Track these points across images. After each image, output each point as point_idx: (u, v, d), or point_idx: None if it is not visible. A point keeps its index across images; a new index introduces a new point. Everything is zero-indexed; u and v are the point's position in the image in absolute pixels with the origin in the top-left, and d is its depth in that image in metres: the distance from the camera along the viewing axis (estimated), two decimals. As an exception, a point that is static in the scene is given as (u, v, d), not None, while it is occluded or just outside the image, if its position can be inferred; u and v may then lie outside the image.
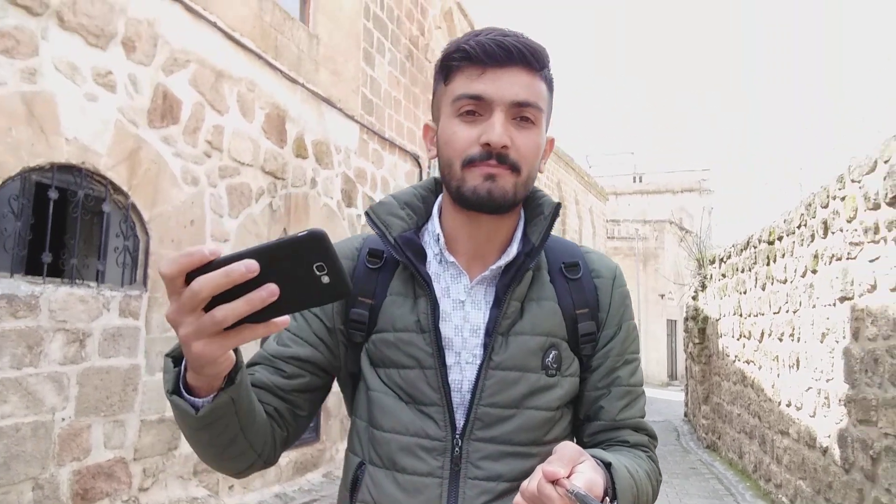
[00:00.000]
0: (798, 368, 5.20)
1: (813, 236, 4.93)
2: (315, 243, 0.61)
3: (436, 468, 0.93)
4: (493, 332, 0.96)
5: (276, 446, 0.98)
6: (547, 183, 15.89)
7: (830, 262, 4.54)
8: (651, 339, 20.89)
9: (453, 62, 0.94)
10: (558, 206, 1.03)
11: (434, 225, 1.02)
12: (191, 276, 0.61)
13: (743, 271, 7.17)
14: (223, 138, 4.91)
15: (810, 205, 5.02)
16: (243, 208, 5.16)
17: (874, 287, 3.82)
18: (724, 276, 8.12)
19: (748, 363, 6.85)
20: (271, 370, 0.98)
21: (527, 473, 0.77)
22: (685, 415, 11.26)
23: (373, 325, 0.99)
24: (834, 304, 4.44)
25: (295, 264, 0.62)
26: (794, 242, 5.41)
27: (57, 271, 3.81)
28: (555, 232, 1.06)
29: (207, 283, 0.60)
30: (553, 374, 0.97)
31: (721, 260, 8.37)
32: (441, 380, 0.94)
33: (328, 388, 1.06)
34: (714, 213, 19.19)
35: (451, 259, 1.00)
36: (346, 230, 6.68)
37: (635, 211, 27.27)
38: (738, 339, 7.32)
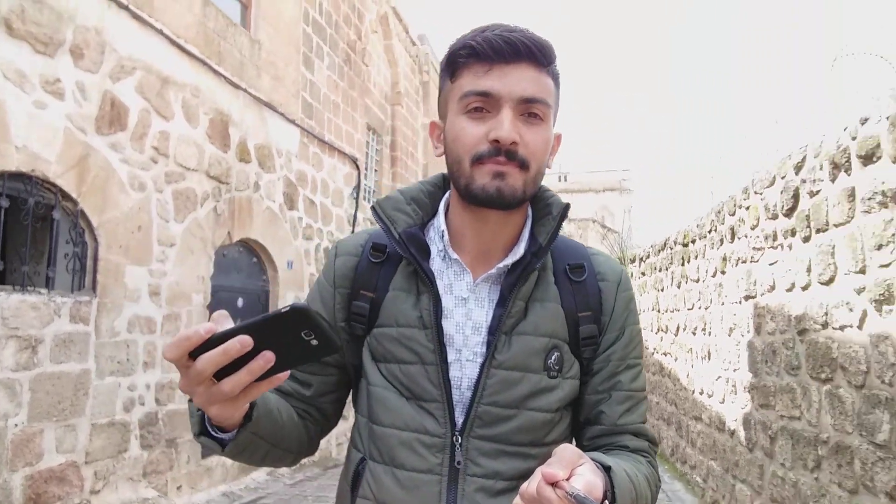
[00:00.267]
0: (709, 360, 5.76)
1: (722, 241, 5.47)
2: (298, 316, 0.67)
3: (435, 465, 0.94)
4: (497, 331, 0.96)
5: (312, 440, 1.06)
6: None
7: (737, 265, 5.08)
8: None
9: (460, 59, 0.94)
10: (567, 206, 1.03)
11: (439, 221, 1.03)
12: (193, 352, 0.68)
13: (661, 270, 7.75)
14: (169, 144, 4.95)
15: (720, 212, 5.56)
16: (189, 213, 5.21)
17: (773, 287, 4.34)
18: (643, 274, 8.72)
19: (665, 355, 7.43)
20: (292, 379, 1.03)
21: (525, 473, 0.80)
22: None
23: (374, 318, 1.00)
24: (740, 302, 4.97)
25: (284, 333, 0.68)
26: (705, 245, 5.96)
27: (8, 279, 3.80)
28: None
29: (209, 363, 0.67)
30: (555, 375, 0.98)
31: (641, 259, 8.98)
32: (442, 376, 0.95)
33: (349, 384, 1.09)
34: (633, 211, 20.22)
35: (455, 256, 1.00)
36: (289, 232, 6.79)
37: (560, 208, 28.22)
38: (656, 333, 7.92)
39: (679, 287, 6.86)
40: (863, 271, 3.14)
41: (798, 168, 3.96)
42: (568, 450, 0.73)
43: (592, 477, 0.72)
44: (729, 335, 5.19)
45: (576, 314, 1.00)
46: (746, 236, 4.85)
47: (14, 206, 3.77)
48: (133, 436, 4.70)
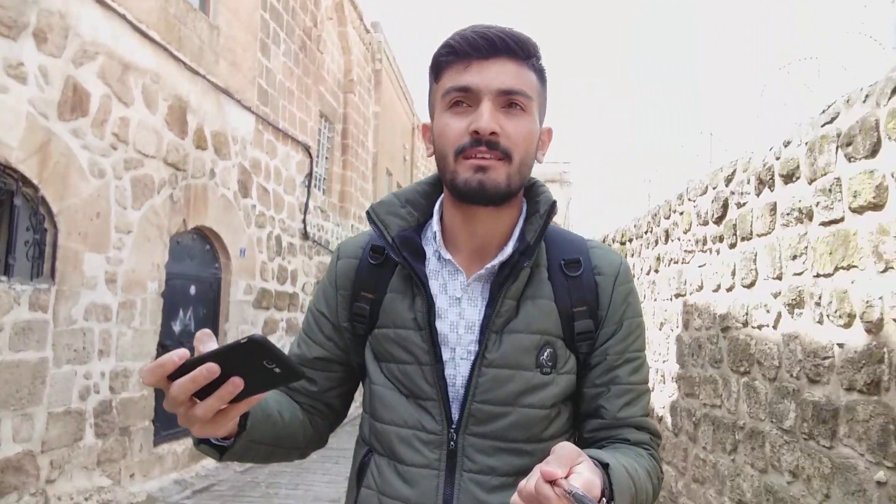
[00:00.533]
0: (641, 351, 6.21)
1: (657, 241, 5.90)
2: (254, 347, 0.70)
3: (433, 460, 0.97)
4: (487, 330, 0.97)
5: (320, 434, 1.11)
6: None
7: (669, 265, 5.51)
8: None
9: (441, 59, 0.97)
10: (554, 203, 1.03)
11: (433, 222, 1.04)
12: (173, 374, 0.73)
13: (599, 265, 8.20)
14: (129, 130, 4.95)
15: (656, 215, 5.99)
16: (146, 200, 5.22)
17: (701, 287, 4.77)
18: (582, 267, 9.17)
19: (601, 345, 7.90)
20: None
21: (521, 469, 0.83)
22: None
23: (374, 319, 1.03)
24: (671, 299, 5.41)
25: (247, 361, 0.71)
26: (641, 245, 6.40)
27: (-32, 265, 3.79)
28: None
29: (181, 390, 0.71)
30: (548, 372, 0.98)
31: (580, 253, 9.43)
32: (437, 375, 0.97)
33: (354, 380, 1.13)
34: (573, 204, 20.86)
35: (448, 257, 1.02)
36: (242, 220, 6.83)
37: (501, 197, 28.67)
38: (592, 324, 8.38)
39: (616, 282, 7.30)
40: (779, 278, 3.56)
41: (728, 180, 4.37)
42: (566, 448, 0.74)
43: (591, 475, 0.72)
44: (660, 329, 5.64)
45: (570, 310, 1.01)
46: (679, 239, 5.28)
47: (-24, 192, 3.76)
48: (88, 424, 4.73)
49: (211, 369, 0.70)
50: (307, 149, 8.34)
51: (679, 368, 5.09)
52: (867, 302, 2.76)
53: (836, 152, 3.11)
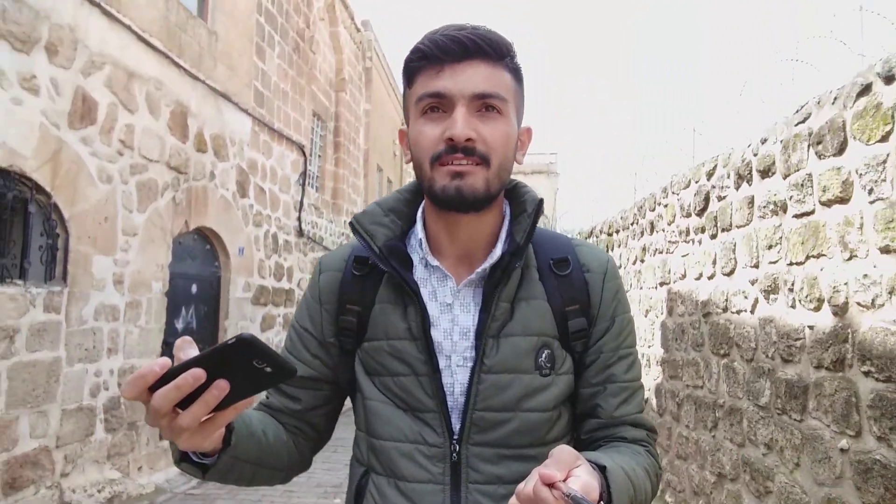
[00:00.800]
0: (629, 338, 6.48)
1: (643, 233, 6.16)
2: (244, 346, 0.66)
3: (436, 474, 0.94)
4: (483, 335, 0.95)
5: (304, 456, 1.08)
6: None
7: (654, 255, 5.77)
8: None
9: (412, 64, 0.95)
10: (541, 201, 1.02)
11: (417, 229, 1.02)
12: (154, 386, 0.67)
13: (587, 256, 8.46)
14: (134, 137, 5.13)
15: (641, 207, 6.25)
16: (150, 203, 5.41)
17: (684, 276, 5.03)
18: (571, 258, 9.44)
19: (590, 333, 8.17)
20: (281, 394, 1.05)
21: (527, 475, 0.78)
22: None
23: (362, 332, 1.00)
24: (656, 288, 5.68)
25: (236, 363, 0.67)
26: (628, 236, 6.66)
27: (-11, 270, 3.97)
28: None
29: (164, 399, 0.66)
30: (547, 373, 0.96)
31: (569, 244, 9.69)
32: (435, 385, 0.94)
33: (341, 398, 1.09)
34: (560, 195, 21.16)
35: (435, 263, 0.99)
36: (241, 220, 7.02)
37: (489, 190, 28.93)
38: (582, 313, 8.65)
39: (604, 272, 7.57)
40: (756, 266, 3.83)
41: (710, 175, 4.63)
42: (565, 451, 0.74)
43: (589, 478, 0.72)
44: (645, 316, 5.91)
45: (563, 309, 0.99)
46: (664, 230, 5.54)
47: (-6, 200, 3.94)
48: (98, 420, 4.92)
49: (196, 375, 0.66)
50: (301, 148, 8.53)
51: (664, 353, 5.37)
52: (834, 287, 3.02)
53: (808, 150, 3.37)
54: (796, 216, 3.41)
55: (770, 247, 3.67)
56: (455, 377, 0.97)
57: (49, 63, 4.23)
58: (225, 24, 6.59)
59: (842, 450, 2.86)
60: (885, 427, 2.59)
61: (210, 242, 6.68)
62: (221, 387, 0.67)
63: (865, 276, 2.80)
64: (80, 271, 4.65)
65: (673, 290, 5.25)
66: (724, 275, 4.26)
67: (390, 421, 0.97)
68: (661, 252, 5.59)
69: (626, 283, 6.62)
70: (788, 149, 3.52)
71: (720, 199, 4.41)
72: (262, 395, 1.08)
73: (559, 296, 1.00)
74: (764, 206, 3.76)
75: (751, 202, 3.94)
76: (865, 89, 2.88)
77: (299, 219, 8.60)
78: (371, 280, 1.02)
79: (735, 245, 4.12)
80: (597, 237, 7.99)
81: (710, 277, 4.50)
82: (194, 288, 6.44)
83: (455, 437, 0.95)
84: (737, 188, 4.15)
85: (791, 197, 3.46)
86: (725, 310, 4.21)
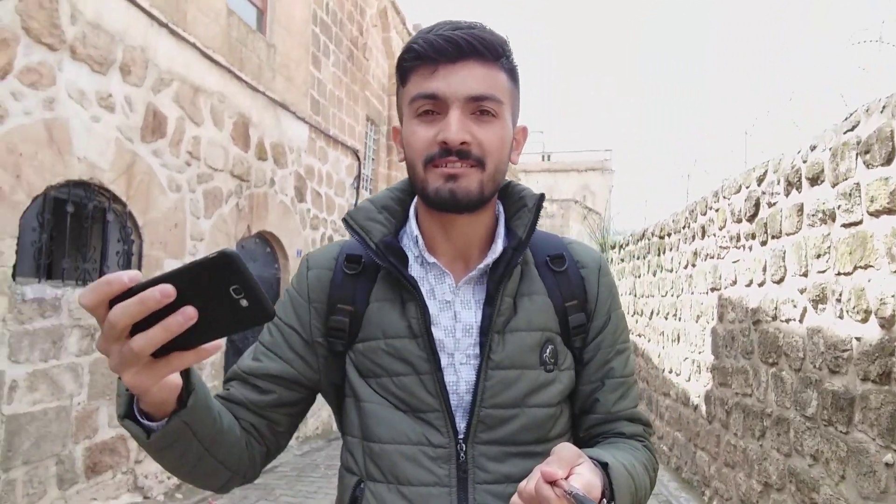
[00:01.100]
0: (679, 342, 6.45)
1: (694, 237, 6.11)
2: (225, 264, 0.59)
3: (442, 476, 0.91)
4: (489, 331, 0.93)
5: (255, 461, 0.97)
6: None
7: (705, 259, 5.73)
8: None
9: (405, 63, 0.93)
10: (542, 197, 1.01)
11: (412, 227, 1.00)
12: (114, 303, 0.59)
13: (638, 258, 8.42)
14: (200, 148, 5.46)
15: (692, 211, 6.20)
16: (215, 209, 5.73)
17: (735, 282, 4.99)
18: (622, 260, 9.40)
19: (640, 336, 8.14)
20: (246, 386, 0.97)
21: None
22: None
23: (355, 333, 0.97)
24: (706, 293, 5.64)
25: (211, 287, 0.60)
26: (679, 239, 6.61)
27: (71, 275, 4.33)
28: None
29: (123, 313, 0.58)
30: (551, 369, 0.96)
31: (620, 247, 9.64)
32: (438, 384, 0.92)
33: (309, 402, 1.02)
34: (615, 191, 20.91)
35: (433, 260, 0.97)
36: (298, 224, 7.32)
37: (542, 188, 28.82)
38: (632, 316, 8.62)
39: (654, 275, 7.54)
40: (805, 275, 3.80)
41: (760, 180, 4.59)
42: (567, 448, 0.74)
43: (591, 476, 0.72)
44: (696, 321, 5.87)
45: (563, 304, 0.99)
46: (715, 235, 5.50)
47: (76, 211, 4.29)
48: (169, 410, 5.26)
49: (165, 291, 0.58)
50: (356, 152, 8.80)
51: (713, 359, 5.34)
52: (881, 299, 3.00)
53: (857, 159, 3.34)
54: (844, 226, 3.38)
55: (818, 256, 3.64)
56: (459, 375, 0.94)
57: (123, 82, 4.56)
58: (282, 37, 6.89)
59: (887, 464, 2.85)
60: (928, 443, 2.58)
61: (270, 245, 7.00)
62: (188, 314, 0.59)
63: (911, 290, 2.78)
64: (153, 274, 4.99)
65: (724, 296, 5.21)
66: (774, 283, 4.23)
67: (391, 423, 0.93)
68: (711, 257, 5.55)
69: (676, 288, 6.59)
70: (837, 157, 3.49)
71: (770, 205, 4.37)
72: (232, 382, 1.00)
73: (558, 292, 1.00)
74: (813, 215, 3.73)
75: (800, 210, 3.91)
76: (913, 100, 2.85)
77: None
78: (364, 279, 0.99)
79: (785, 253, 4.09)
80: (648, 240, 7.94)
81: (761, 285, 4.47)
82: (255, 288, 6.76)
83: (461, 436, 0.92)
84: (787, 195, 4.11)
85: (839, 206, 3.43)
86: (775, 318, 4.18)
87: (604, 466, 0.80)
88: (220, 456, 0.87)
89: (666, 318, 6.95)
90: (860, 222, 3.26)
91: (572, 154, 32.05)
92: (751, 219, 4.74)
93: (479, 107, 0.90)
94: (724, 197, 5.32)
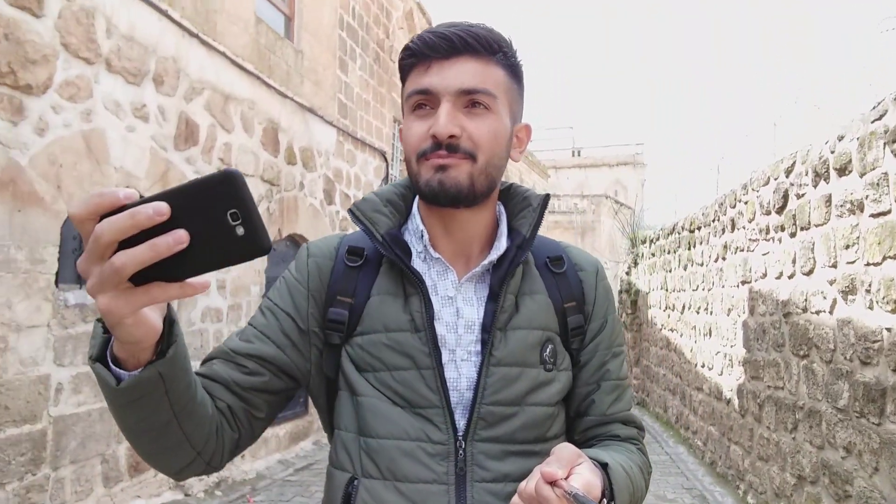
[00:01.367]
0: (710, 336, 6.40)
1: (724, 230, 6.06)
2: (228, 184, 0.56)
3: (441, 474, 0.90)
4: (492, 327, 0.93)
5: (223, 448, 0.90)
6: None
7: (735, 252, 5.68)
8: (588, 305, 22.28)
9: (403, 62, 0.95)
10: (547, 196, 1.02)
11: (416, 222, 1.00)
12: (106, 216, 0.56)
13: (669, 252, 8.35)
14: (231, 154, 5.61)
15: (722, 204, 6.15)
16: (247, 213, 5.88)
17: (765, 275, 4.94)
18: (653, 255, 9.32)
19: (672, 331, 8.08)
20: (231, 365, 0.92)
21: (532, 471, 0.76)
22: None
23: (353, 325, 0.95)
24: (737, 286, 5.59)
25: (208, 210, 0.56)
26: (709, 233, 6.55)
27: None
28: None
29: (110, 226, 0.54)
30: (550, 368, 0.96)
31: (651, 241, 9.57)
32: (439, 380, 0.91)
33: (290, 396, 0.99)
34: (647, 185, 20.68)
35: (437, 255, 0.97)
36: (328, 226, 7.45)
37: (573, 184, 28.66)
38: (664, 311, 8.55)
39: (685, 269, 7.48)
40: (834, 266, 3.75)
41: (788, 172, 4.54)
42: (567, 449, 0.74)
43: (591, 476, 0.72)
44: (727, 315, 5.82)
45: (563, 305, 1.00)
46: (744, 228, 5.45)
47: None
48: (207, 408, 5.42)
49: (158, 209, 0.55)
50: (383, 154, 8.90)
51: (745, 352, 5.29)
52: (911, 289, 2.96)
53: (884, 148, 3.29)
54: (873, 216, 3.34)
55: (847, 247, 3.60)
56: (460, 371, 0.94)
57: (156, 92, 4.73)
58: (310, 43, 7.02)
59: (917, 455, 2.81)
60: (960, 433, 2.54)
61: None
62: (179, 236, 0.55)
63: (940, 278, 2.73)
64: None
65: (754, 288, 5.17)
66: (804, 274, 4.19)
67: (389, 418, 0.91)
68: (741, 250, 5.50)
69: (707, 281, 6.53)
70: (864, 146, 3.45)
71: (798, 196, 4.32)
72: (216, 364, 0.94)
73: (558, 292, 1.01)
74: (841, 205, 3.69)
75: (828, 200, 3.86)
76: (938, 87, 2.81)
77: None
78: (366, 271, 0.97)
79: (814, 244, 4.04)
80: (678, 234, 7.88)
81: (791, 277, 4.42)
82: (287, 290, 6.91)
83: (460, 433, 0.91)
84: (815, 186, 4.07)
85: (867, 196, 3.39)
86: (805, 310, 4.14)
87: (603, 467, 0.81)
88: (188, 427, 0.80)
89: (697, 313, 6.89)
90: (889, 212, 3.22)
91: (603, 149, 31.77)
92: (780, 210, 4.69)
93: (471, 100, 0.91)
94: (753, 189, 5.27)
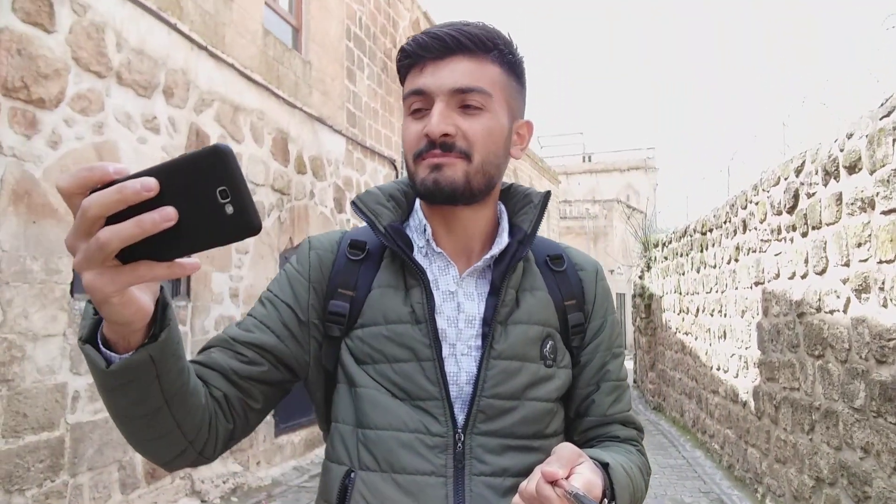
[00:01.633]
0: (725, 339, 6.34)
1: (735, 231, 6.02)
2: (218, 159, 0.55)
3: (439, 466, 0.89)
4: (493, 321, 0.94)
5: (217, 438, 0.87)
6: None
7: (748, 254, 5.64)
8: (602, 310, 22.17)
9: (400, 64, 0.96)
10: (548, 194, 1.04)
11: (420, 217, 1.01)
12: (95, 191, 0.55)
13: (682, 255, 8.30)
14: (242, 164, 5.66)
15: (733, 205, 6.11)
16: (258, 222, 5.93)
17: (778, 275, 4.90)
18: (666, 258, 9.27)
19: (686, 334, 8.02)
20: (229, 353, 0.91)
21: (530, 467, 0.76)
22: (634, 381, 12.27)
23: (354, 318, 0.95)
24: (750, 287, 5.54)
25: (197, 187, 0.55)
26: (721, 235, 6.51)
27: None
28: None
29: (97, 201, 0.53)
30: (550, 364, 0.96)
31: (664, 244, 9.52)
32: (439, 372, 0.91)
33: (287, 389, 0.98)
34: (659, 189, 20.56)
35: (439, 250, 0.97)
36: (340, 233, 7.51)
37: (585, 189, 28.59)
38: (678, 314, 8.49)
39: (698, 272, 7.43)
40: (847, 264, 3.72)
41: (798, 171, 4.51)
42: (567, 448, 0.75)
43: (592, 476, 0.73)
44: (741, 317, 5.77)
45: (563, 303, 1.01)
46: (756, 229, 5.41)
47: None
48: (221, 417, 5.46)
49: (147, 184, 0.54)
50: (392, 162, 8.94)
51: (760, 354, 5.24)
52: (925, 285, 2.92)
53: (893, 145, 3.27)
54: (884, 213, 3.31)
55: (859, 245, 3.56)
56: (460, 365, 0.93)
57: (166, 104, 4.79)
58: (317, 53, 7.09)
59: (935, 454, 2.77)
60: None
61: (312, 256, 7.18)
62: (166, 213, 0.54)
63: (954, 273, 2.70)
64: (202, 287, 5.21)
65: (767, 289, 5.12)
66: (817, 274, 4.15)
67: (388, 410, 0.91)
68: (754, 251, 5.46)
69: (721, 283, 6.48)
70: (873, 143, 3.42)
71: (809, 196, 4.29)
72: (210, 351, 0.93)
73: (558, 290, 1.01)
74: (852, 203, 3.66)
75: (839, 199, 3.83)
76: (947, 81, 2.79)
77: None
78: (367, 265, 0.98)
79: (826, 243, 4.01)
80: (690, 236, 7.83)
81: (803, 276, 4.38)
82: (299, 299, 6.95)
83: (459, 426, 0.91)
84: (825, 184, 4.04)
85: (878, 193, 3.36)
86: (819, 310, 4.09)
87: (604, 466, 0.81)
88: (179, 415, 0.78)
89: (711, 315, 6.84)
90: (901, 208, 3.18)
91: (614, 154, 31.66)
92: (791, 210, 4.66)
93: (465, 99, 0.91)
94: (764, 190, 5.24)
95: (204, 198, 0.55)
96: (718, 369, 6.57)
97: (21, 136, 3.63)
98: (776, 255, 4.94)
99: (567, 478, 0.71)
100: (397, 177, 9.10)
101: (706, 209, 7.33)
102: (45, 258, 3.77)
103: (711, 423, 6.89)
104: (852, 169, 3.68)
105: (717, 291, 6.64)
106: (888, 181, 3.27)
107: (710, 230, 6.93)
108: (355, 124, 7.92)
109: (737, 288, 5.94)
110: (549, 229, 18.52)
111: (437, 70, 0.91)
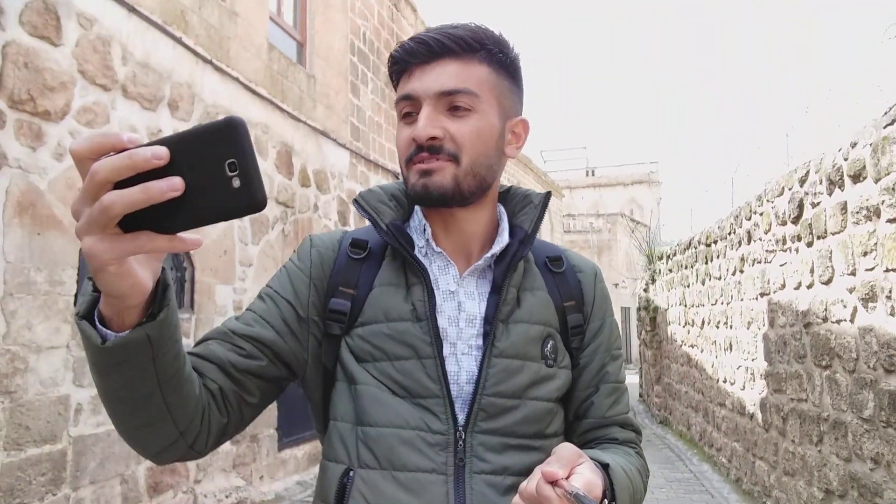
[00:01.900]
0: (731, 350, 6.30)
1: (740, 242, 6.00)
2: (230, 132, 0.55)
3: (440, 464, 0.89)
4: (494, 319, 0.94)
5: (209, 432, 0.86)
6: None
7: (753, 264, 5.61)
8: (607, 325, 22.08)
9: (391, 70, 0.97)
10: (549, 194, 1.04)
11: (419, 217, 1.01)
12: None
13: (686, 268, 8.27)
14: (246, 176, 5.69)
15: (737, 216, 6.09)
16: (262, 236, 5.94)
17: (784, 285, 4.87)
18: (670, 271, 9.24)
19: (692, 347, 7.96)
20: (227, 346, 0.90)
21: (531, 466, 0.76)
22: (640, 395, 12.18)
23: (355, 316, 0.95)
24: (756, 298, 5.51)
25: (207, 159, 0.55)
26: (726, 246, 6.49)
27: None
28: None
29: (106, 165, 0.53)
30: (551, 364, 0.97)
31: (668, 257, 9.49)
32: (440, 369, 0.91)
33: (283, 386, 0.97)
34: (663, 203, 20.58)
35: (439, 249, 0.98)
36: (343, 246, 7.51)
37: (588, 203, 28.60)
38: (683, 327, 8.44)
39: (703, 284, 7.40)
40: (853, 273, 3.69)
41: (802, 181, 4.50)
42: (567, 448, 0.75)
43: (592, 476, 0.73)
44: (747, 328, 5.73)
45: (562, 303, 1.01)
46: (760, 239, 5.39)
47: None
48: (224, 431, 5.44)
49: (157, 152, 0.54)
50: (396, 176, 8.97)
51: (767, 365, 5.19)
52: (932, 293, 2.90)
53: (898, 151, 3.25)
54: (890, 221, 3.29)
55: (865, 253, 3.54)
56: (461, 364, 0.93)
57: (171, 117, 4.82)
58: (322, 68, 7.14)
59: (946, 463, 2.73)
60: None
61: (316, 269, 7.18)
62: (174, 182, 0.54)
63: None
64: (205, 299, 5.20)
65: (773, 300, 5.09)
66: (822, 283, 4.12)
67: (389, 407, 0.90)
68: (759, 262, 5.44)
69: (726, 295, 6.45)
70: (878, 152, 3.41)
71: (814, 205, 4.28)
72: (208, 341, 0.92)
73: (557, 291, 1.02)
74: (857, 212, 3.64)
75: (844, 208, 3.82)
76: (951, 87, 2.78)
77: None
78: (369, 264, 0.98)
79: (831, 252, 3.99)
80: (695, 248, 7.81)
81: (809, 286, 4.36)
82: (303, 312, 6.94)
83: (460, 424, 0.90)
84: (829, 194, 4.02)
85: (883, 201, 3.34)
86: (825, 319, 4.06)
87: (604, 467, 0.81)
88: (172, 401, 0.76)
89: (717, 327, 6.80)
90: (906, 215, 3.17)
91: (617, 168, 31.71)
92: (795, 220, 4.64)
93: (452, 101, 0.91)
94: (768, 200, 5.22)
95: (213, 170, 0.55)
96: (725, 381, 6.52)
97: (27, 147, 3.65)
98: (781, 265, 4.92)
99: (567, 478, 0.71)
100: (401, 190, 9.13)
101: (710, 221, 7.32)
102: (49, 270, 3.77)
103: (718, 436, 6.82)
104: (857, 178, 3.67)
105: (722, 303, 6.61)
106: (893, 189, 3.26)
107: (715, 241, 6.91)
108: (359, 138, 7.96)
109: (742, 299, 5.91)
110: (554, 242, 18.48)
111: (424, 74, 0.91)
